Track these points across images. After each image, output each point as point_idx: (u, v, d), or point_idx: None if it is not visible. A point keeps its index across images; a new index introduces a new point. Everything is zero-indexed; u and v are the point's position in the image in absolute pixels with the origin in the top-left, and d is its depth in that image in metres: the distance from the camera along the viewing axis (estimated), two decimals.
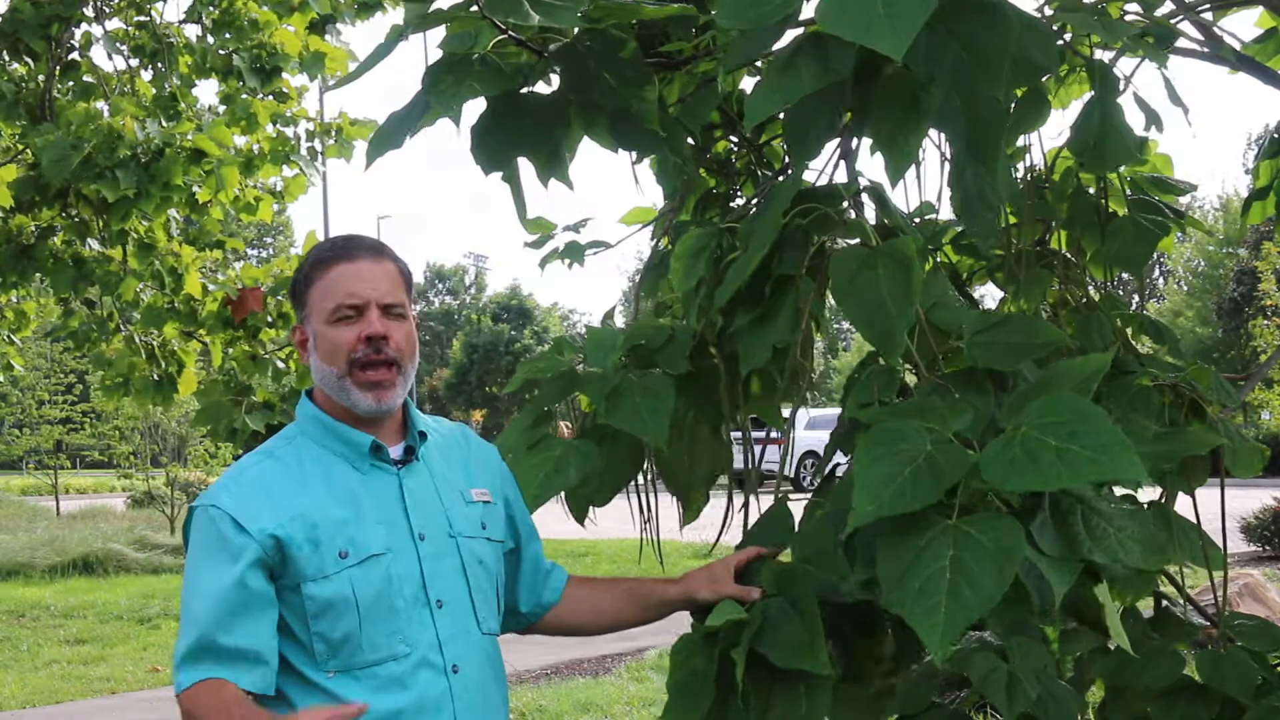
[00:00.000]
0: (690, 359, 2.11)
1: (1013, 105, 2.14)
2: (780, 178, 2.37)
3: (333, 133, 5.99)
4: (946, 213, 2.49)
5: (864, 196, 2.07)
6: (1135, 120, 2.25)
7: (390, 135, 2.03)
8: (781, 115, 2.10)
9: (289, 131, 5.90)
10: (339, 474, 1.91)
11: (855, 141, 2.05)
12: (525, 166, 2.13)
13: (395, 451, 1.97)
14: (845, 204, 2.01)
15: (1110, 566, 1.74)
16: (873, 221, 2.02)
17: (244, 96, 5.69)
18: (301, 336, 1.97)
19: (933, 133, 2.03)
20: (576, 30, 1.99)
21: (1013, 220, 2.52)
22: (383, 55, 2.00)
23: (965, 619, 1.48)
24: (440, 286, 64.53)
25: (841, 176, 2.09)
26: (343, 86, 2.21)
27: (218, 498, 1.86)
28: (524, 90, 2.04)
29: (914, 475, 1.58)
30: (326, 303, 1.90)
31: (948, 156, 2.03)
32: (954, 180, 1.96)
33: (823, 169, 2.15)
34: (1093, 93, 2.23)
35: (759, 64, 2.43)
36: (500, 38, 1.98)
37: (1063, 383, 1.73)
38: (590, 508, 2.19)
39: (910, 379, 1.97)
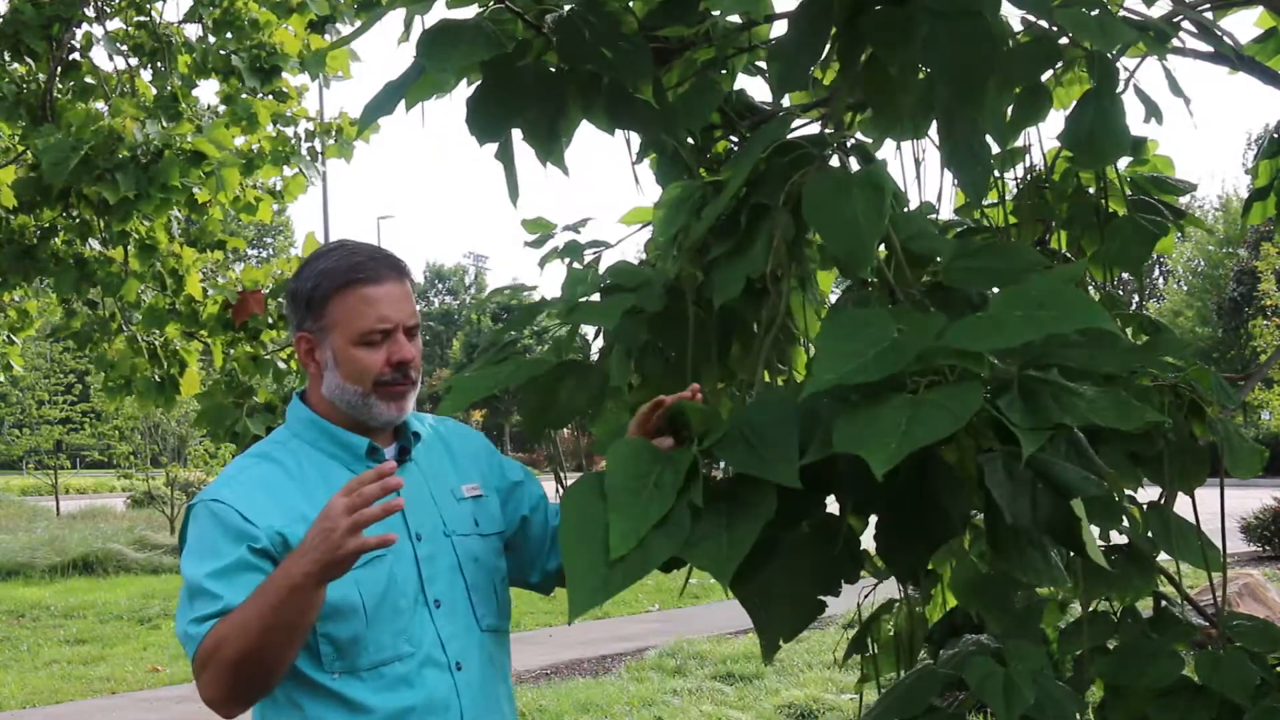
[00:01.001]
0: (667, 310, 2.09)
1: (1012, 99, 2.14)
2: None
3: (333, 132, 5.99)
4: (947, 213, 2.49)
5: (851, 158, 2.07)
6: (1136, 115, 2.25)
7: (384, 102, 2.04)
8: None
9: (289, 131, 5.89)
10: (336, 476, 1.90)
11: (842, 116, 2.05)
12: (521, 152, 2.13)
13: (389, 452, 1.98)
14: (828, 152, 2.01)
15: (1077, 484, 1.69)
16: None
17: (244, 96, 5.69)
18: (310, 346, 1.95)
19: (931, 132, 2.03)
20: (574, 4, 1.99)
21: (1012, 220, 2.52)
22: (374, 21, 2.05)
23: (912, 445, 1.46)
24: (440, 286, 64.51)
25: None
26: (337, 48, 2.25)
27: (220, 493, 1.86)
28: (522, 64, 2.04)
29: (878, 355, 1.55)
30: (356, 323, 1.90)
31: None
32: (942, 130, 1.95)
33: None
34: (1091, 87, 2.23)
35: (759, 64, 2.44)
36: (497, 6, 1.99)
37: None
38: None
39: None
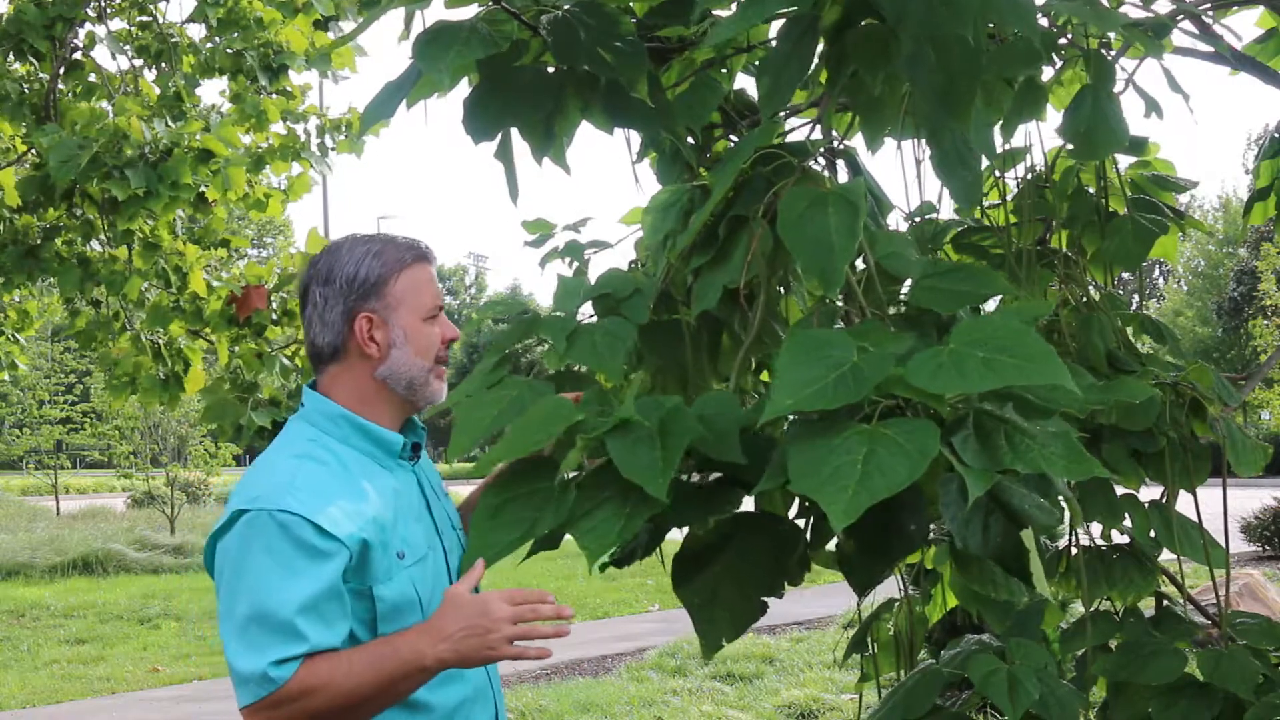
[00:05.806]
0: (659, 314, 2.10)
1: (1007, 93, 2.15)
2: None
3: (343, 128, 5.98)
4: (947, 212, 2.50)
5: (839, 163, 2.07)
6: (1137, 115, 2.25)
7: (383, 105, 2.05)
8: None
9: (299, 128, 5.89)
10: (374, 474, 1.87)
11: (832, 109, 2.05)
12: (521, 153, 2.13)
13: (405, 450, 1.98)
14: (812, 160, 2.01)
15: (1032, 515, 1.71)
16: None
17: (252, 94, 5.69)
18: (372, 326, 1.89)
19: None
20: (569, 5, 2.00)
21: (1013, 219, 2.52)
22: (373, 19, 2.07)
23: (871, 498, 1.46)
24: (440, 286, 64.28)
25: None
26: (339, 46, 2.24)
27: (284, 502, 1.73)
28: (519, 64, 2.05)
29: (837, 380, 1.55)
30: (423, 299, 1.95)
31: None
32: (929, 139, 1.96)
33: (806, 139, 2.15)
34: (1088, 83, 2.23)
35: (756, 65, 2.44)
36: (492, 8, 1.99)
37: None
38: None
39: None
